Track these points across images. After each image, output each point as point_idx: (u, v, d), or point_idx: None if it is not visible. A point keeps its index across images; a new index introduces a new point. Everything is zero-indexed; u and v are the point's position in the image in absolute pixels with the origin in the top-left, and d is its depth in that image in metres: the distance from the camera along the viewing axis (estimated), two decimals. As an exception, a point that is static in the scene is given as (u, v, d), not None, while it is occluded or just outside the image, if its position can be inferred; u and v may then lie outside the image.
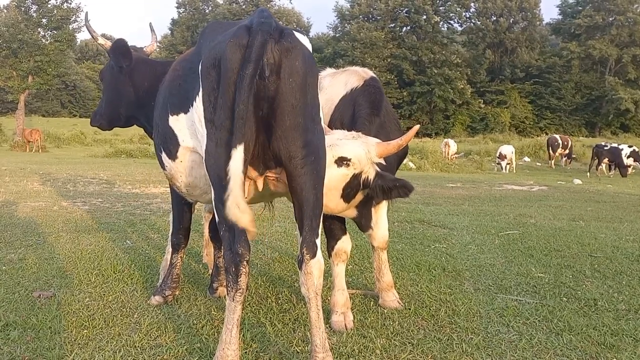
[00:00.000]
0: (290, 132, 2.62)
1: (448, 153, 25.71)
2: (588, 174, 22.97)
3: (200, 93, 2.79)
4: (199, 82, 2.82)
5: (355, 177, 3.30)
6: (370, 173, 3.33)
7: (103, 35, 4.36)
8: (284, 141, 2.64)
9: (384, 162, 3.42)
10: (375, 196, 3.41)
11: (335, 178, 3.22)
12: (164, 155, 3.44)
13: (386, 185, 3.32)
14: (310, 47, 2.84)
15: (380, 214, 3.95)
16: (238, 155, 2.45)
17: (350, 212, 3.61)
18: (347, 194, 3.34)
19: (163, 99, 3.39)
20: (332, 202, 3.31)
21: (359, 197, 3.45)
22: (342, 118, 3.76)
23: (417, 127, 3.53)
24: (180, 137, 3.20)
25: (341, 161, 3.23)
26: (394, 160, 3.86)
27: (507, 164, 24.18)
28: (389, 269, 4.09)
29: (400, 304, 3.99)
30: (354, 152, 3.26)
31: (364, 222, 3.74)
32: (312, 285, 2.78)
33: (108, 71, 4.29)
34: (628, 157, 22.74)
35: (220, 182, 2.66)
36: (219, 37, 2.79)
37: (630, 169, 22.67)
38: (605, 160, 23.31)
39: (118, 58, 4.08)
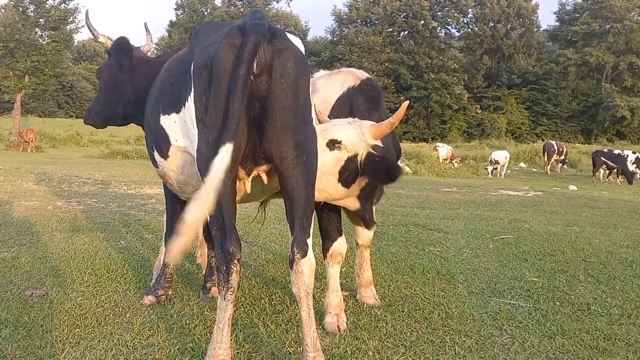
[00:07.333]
0: (282, 132, 2.62)
1: (438, 157, 25.96)
2: (593, 179, 23.12)
3: (192, 93, 2.79)
4: (191, 82, 2.82)
5: (351, 160, 3.26)
6: (365, 155, 3.28)
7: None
8: (275, 142, 2.64)
9: (380, 144, 3.34)
10: (365, 170, 3.25)
11: (328, 162, 3.19)
12: (156, 154, 3.45)
13: (376, 156, 3.21)
14: (303, 49, 2.84)
15: None
16: (225, 153, 2.36)
17: (354, 203, 3.56)
18: (345, 178, 3.30)
19: (155, 98, 3.39)
20: (330, 187, 3.28)
21: (360, 183, 3.39)
22: (338, 118, 3.73)
23: (406, 103, 3.45)
24: (171, 137, 3.21)
25: (332, 144, 3.21)
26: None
27: (494, 168, 24.51)
28: (370, 266, 4.18)
29: (377, 300, 4.09)
30: (345, 134, 3.23)
31: (368, 216, 3.73)
32: (302, 284, 2.77)
33: (107, 69, 4.27)
34: (633, 163, 22.79)
35: None
36: (211, 37, 2.79)
37: (637, 176, 22.75)
38: (604, 166, 23.42)
39: (119, 56, 4.07)
